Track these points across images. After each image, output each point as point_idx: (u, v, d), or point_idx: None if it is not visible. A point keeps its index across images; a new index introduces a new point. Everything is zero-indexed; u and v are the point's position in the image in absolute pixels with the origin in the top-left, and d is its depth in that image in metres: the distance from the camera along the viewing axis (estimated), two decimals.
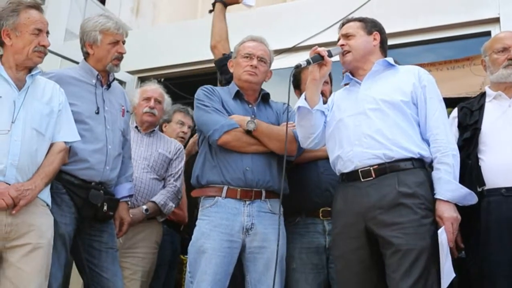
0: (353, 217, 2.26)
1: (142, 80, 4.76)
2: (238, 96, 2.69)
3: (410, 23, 3.98)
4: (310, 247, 2.67)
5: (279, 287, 2.42)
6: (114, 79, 2.84)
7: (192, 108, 2.85)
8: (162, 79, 4.85)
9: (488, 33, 3.68)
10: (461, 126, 2.59)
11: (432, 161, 2.27)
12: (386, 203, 2.18)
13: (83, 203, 2.54)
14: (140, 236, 3.23)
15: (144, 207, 3.20)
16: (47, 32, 2.41)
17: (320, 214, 2.69)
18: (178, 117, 3.87)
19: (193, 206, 3.37)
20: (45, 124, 2.36)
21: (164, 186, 3.38)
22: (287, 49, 4.23)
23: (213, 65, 3.27)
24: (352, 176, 2.30)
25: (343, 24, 2.54)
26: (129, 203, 2.91)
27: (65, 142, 2.43)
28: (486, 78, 2.97)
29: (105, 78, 2.76)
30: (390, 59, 2.47)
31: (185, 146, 3.71)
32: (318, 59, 2.33)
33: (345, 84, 2.56)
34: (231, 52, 3.02)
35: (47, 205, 2.35)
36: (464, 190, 2.20)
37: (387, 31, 2.55)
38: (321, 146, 2.52)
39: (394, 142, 2.25)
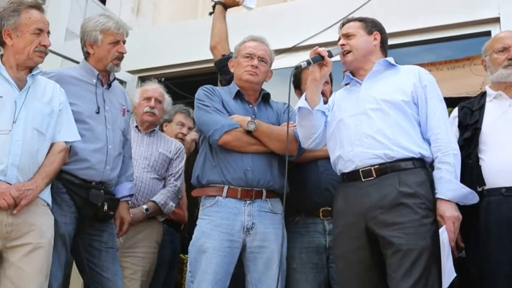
0: (354, 217, 2.26)
1: (142, 79, 4.76)
2: (238, 96, 2.69)
3: (410, 23, 3.98)
4: (310, 247, 2.67)
5: (280, 286, 2.42)
6: (115, 78, 2.84)
7: (193, 108, 2.85)
8: (163, 79, 4.86)
9: (488, 33, 3.68)
10: (462, 126, 2.59)
11: (433, 161, 2.27)
12: (386, 203, 2.18)
13: (84, 202, 2.54)
14: (141, 236, 3.23)
15: (145, 206, 3.21)
16: (48, 32, 2.41)
17: (320, 214, 2.69)
18: (179, 118, 3.88)
19: (193, 206, 3.38)
20: (46, 124, 2.36)
21: (164, 186, 3.39)
22: (287, 49, 4.24)
23: (213, 64, 3.28)
24: (353, 176, 2.30)
25: (343, 24, 2.54)
26: (130, 202, 2.91)
27: (65, 142, 2.43)
28: (486, 78, 2.97)
29: (106, 78, 2.76)
30: (390, 59, 2.47)
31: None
32: (319, 60, 2.34)
33: (346, 84, 2.56)
34: (231, 53, 3.02)
35: (48, 204, 2.35)
36: (465, 189, 2.20)
37: (387, 31, 2.55)
38: (322, 146, 2.52)
39: (395, 142, 2.25)
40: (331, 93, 2.87)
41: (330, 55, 2.36)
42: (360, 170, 2.27)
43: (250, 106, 2.69)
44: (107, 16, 2.75)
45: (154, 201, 3.24)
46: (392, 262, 2.14)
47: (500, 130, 2.47)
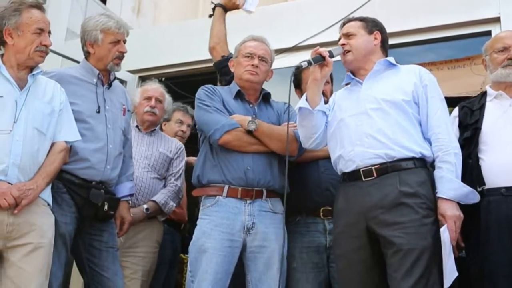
0: (355, 216, 2.26)
1: (143, 79, 4.76)
2: (239, 95, 2.69)
3: (411, 23, 3.98)
4: (311, 246, 2.67)
5: (280, 286, 2.42)
6: (115, 78, 2.84)
7: (193, 107, 2.85)
8: (163, 79, 4.85)
9: (488, 33, 3.68)
10: (462, 126, 2.60)
11: (433, 161, 2.27)
12: (387, 202, 2.18)
13: (84, 202, 2.54)
14: (141, 235, 3.23)
15: (145, 206, 3.21)
16: (49, 32, 2.41)
17: (321, 214, 2.69)
18: (177, 116, 3.87)
19: (194, 205, 3.38)
20: (47, 124, 2.36)
21: (164, 186, 3.39)
22: (288, 49, 4.23)
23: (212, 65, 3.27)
24: (354, 176, 2.30)
25: (344, 24, 2.54)
26: (130, 202, 2.91)
27: (66, 142, 2.43)
28: (487, 78, 2.97)
29: (106, 77, 2.76)
30: (391, 59, 2.47)
31: (184, 145, 3.71)
32: (319, 60, 2.34)
33: (346, 84, 2.56)
34: (230, 54, 3.03)
35: (48, 204, 2.35)
36: (467, 188, 2.20)
37: (388, 30, 2.55)
38: (323, 146, 2.52)
39: (396, 141, 2.25)
40: (331, 93, 2.87)
41: (331, 55, 2.36)
42: (361, 169, 2.27)
43: (251, 105, 2.69)
44: (108, 15, 2.76)
45: (154, 201, 3.25)
46: (392, 261, 2.14)
47: (501, 129, 2.47)
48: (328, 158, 2.53)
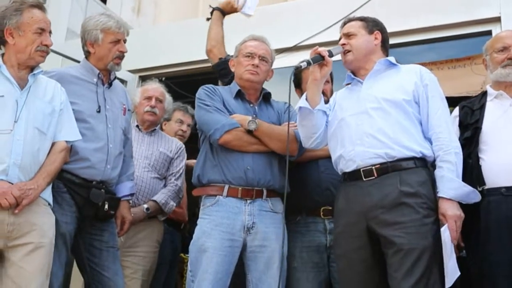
0: (355, 216, 2.26)
1: (143, 79, 4.76)
2: (239, 95, 2.69)
3: (411, 22, 3.98)
4: (311, 246, 2.67)
5: (281, 286, 2.42)
6: (116, 77, 2.84)
7: (193, 107, 2.85)
8: (163, 78, 4.86)
9: (489, 33, 3.68)
10: (462, 125, 2.60)
11: (434, 160, 2.27)
12: (388, 202, 2.18)
13: (84, 202, 2.54)
14: (141, 235, 3.24)
15: (145, 206, 3.21)
16: (50, 32, 2.41)
17: (321, 213, 2.69)
18: (178, 115, 3.87)
19: (194, 205, 3.37)
20: (47, 124, 2.36)
21: (165, 185, 3.39)
22: (288, 48, 4.23)
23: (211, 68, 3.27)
24: (354, 176, 2.30)
25: (344, 23, 2.54)
26: (130, 202, 2.91)
27: (66, 141, 2.43)
28: (487, 77, 2.97)
29: (106, 77, 2.76)
30: (391, 58, 2.47)
31: (185, 144, 3.71)
32: (319, 60, 2.34)
33: (347, 84, 2.56)
34: (228, 55, 3.03)
35: (49, 204, 2.36)
36: (467, 188, 2.20)
37: (388, 30, 2.55)
38: (323, 146, 2.52)
39: (396, 141, 2.25)
40: (331, 92, 2.88)
41: (331, 55, 2.36)
42: (361, 169, 2.27)
43: (251, 105, 2.69)
44: (108, 15, 2.76)
45: (154, 201, 3.25)
46: (393, 261, 2.14)
47: (501, 129, 2.47)
48: (328, 157, 2.53)
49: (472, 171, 2.43)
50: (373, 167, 2.25)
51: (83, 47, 2.76)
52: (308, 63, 2.32)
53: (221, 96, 2.66)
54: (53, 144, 2.39)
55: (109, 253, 2.65)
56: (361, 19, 2.52)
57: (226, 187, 2.50)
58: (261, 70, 2.66)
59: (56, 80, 2.52)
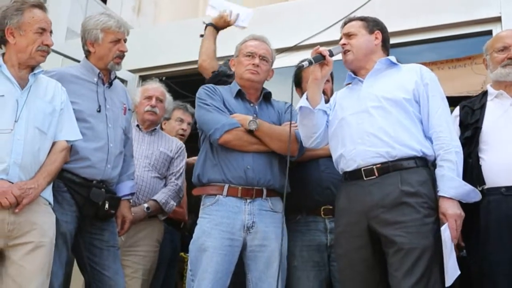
0: (356, 215, 2.26)
1: (143, 78, 4.76)
2: (239, 95, 2.69)
3: (412, 22, 3.98)
4: (311, 245, 2.67)
5: (280, 285, 2.42)
6: (116, 77, 2.84)
7: (193, 107, 2.84)
8: (164, 78, 4.86)
9: (489, 32, 3.68)
10: (463, 125, 2.59)
11: (435, 159, 2.27)
12: (389, 202, 2.18)
13: (84, 201, 2.54)
14: (142, 234, 3.24)
15: (145, 205, 3.21)
16: (51, 32, 2.41)
17: (322, 212, 2.69)
18: (177, 114, 3.87)
19: (197, 205, 3.37)
20: (48, 123, 2.36)
21: (165, 185, 3.39)
22: (288, 48, 4.23)
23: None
24: (355, 175, 2.30)
25: (345, 23, 2.54)
26: (131, 201, 2.91)
27: (67, 141, 2.44)
28: (488, 77, 2.97)
29: (107, 77, 2.76)
30: (392, 58, 2.47)
31: (185, 144, 3.71)
32: (320, 59, 2.34)
33: (347, 84, 2.56)
34: (220, 66, 3.03)
35: (49, 203, 2.36)
36: (468, 187, 2.20)
37: (389, 30, 2.55)
38: (324, 145, 2.52)
39: (397, 139, 2.25)
40: (332, 91, 2.88)
41: (331, 54, 2.37)
42: (362, 169, 2.27)
43: (251, 105, 2.69)
44: (108, 14, 2.76)
45: (155, 200, 3.25)
46: (394, 261, 2.14)
47: (501, 129, 2.47)
48: (328, 157, 2.53)
49: (472, 171, 2.43)
50: (374, 167, 2.25)
51: (83, 47, 2.75)
52: (310, 63, 2.32)
53: (222, 95, 2.66)
54: (53, 144, 2.39)
55: (110, 252, 2.65)
56: (362, 19, 2.52)
57: (226, 186, 2.50)
58: (261, 69, 2.66)
59: (56, 79, 2.52)
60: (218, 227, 2.45)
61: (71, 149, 2.49)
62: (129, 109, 2.90)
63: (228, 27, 3.32)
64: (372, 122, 2.30)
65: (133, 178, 2.91)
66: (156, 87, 3.56)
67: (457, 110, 2.67)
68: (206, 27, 3.30)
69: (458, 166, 2.21)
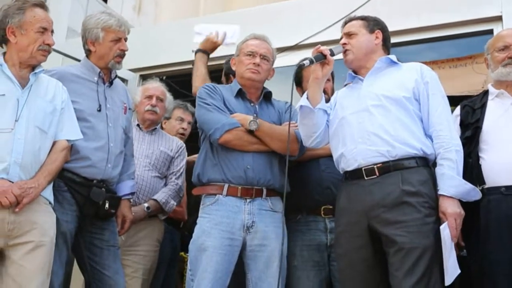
0: (357, 215, 2.25)
1: (144, 78, 4.75)
2: (240, 94, 2.69)
3: (413, 21, 3.97)
4: (311, 245, 2.67)
5: (280, 284, 2.42)
6: (116, 76, 2.84)
7: (193, 106, 2.84)
8: (164, 77, 4.85)
9: (490, 31, 3.67)
10: (463, 125, 2.59)
11: (436, 159, 2.26)
12: (389, 201, 2.18)
13: (85, 201, 2.54)
14: (142, 234, 3.23)
15: (146, 204, 3.21)
16: (52, 31, 2.41)
17: (322, 212, 2.69)
18: (178, 113, 3.87)
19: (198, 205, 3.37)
20: (48, 122, 2.36)
21: (165, 184, 3.39)
22: (289, 47, 4.23)
23: (215, 62, 3.25)
24: (356, 174, 2.30)
25: (345, 23, 2.54)
26: (131, 200, 2.91)
27: (67, 140, 2.43)
28: (489, 77, 2.96)
29: (107, 76, 2.76)
30: (392, 56, 2.47)
31: (185, 143, 3.71)
32: (321, 58, 2.34)
33: (346, 84, 2.55)
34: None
35: (50, 203, 2.36)
36: (468, 185, 2.20)
37: (390, 29, 2.55)
38: (324, 145, 2.52)
39: (397, 138, 2.25)
40: (332, 90, 2.88)
41: (332, 54, 2.36)
42: (363, 168, 2.27)
43: (252, 104, 2.69)
44: (109, 13, 2.75)
45: (155, 200, 3.25)
46: (394, 260, 2.14)
47: (502, 128, 2.47)
48: (329, 156, 2.53)
49: (472, 170, 2.42)
50: (375, 166, 2.25)
51: (83, 46, 2.75)
52: (311, 61, 2.32)
53: (222, 95, 2.66)
54: (54, 143, 2.39)
55: (110, 252, 2.65)
56: (362, 18, 2.52)
57: (226, 186, 2.50)
58: (262, 69, 2.65)
59: (57, 79, 2.52)
60: (218, 226, 2.45)
61: (72, 149, 2.49)
62: (129, 109, 2.89)
63: (217, 48, 3.29)
64: (372, 121, 2.30)
65: (133, 178, 2.91)
66: (156, 86, 3.56)
67: (458, 109, 2.67)
68: (195, 54, 3.28)
69: (458, 165, 2.21)
